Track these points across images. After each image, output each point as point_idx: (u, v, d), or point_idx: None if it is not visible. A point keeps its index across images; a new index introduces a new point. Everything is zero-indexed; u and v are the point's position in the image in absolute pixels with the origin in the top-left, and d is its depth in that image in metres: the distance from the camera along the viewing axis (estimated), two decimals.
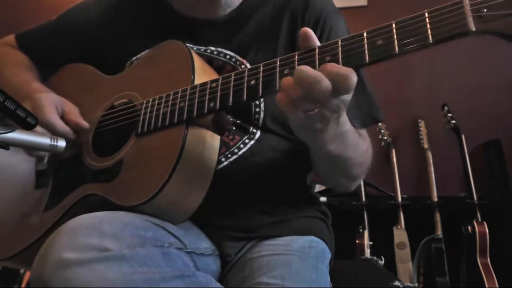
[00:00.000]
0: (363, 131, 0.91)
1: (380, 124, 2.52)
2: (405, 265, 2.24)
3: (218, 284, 0.67)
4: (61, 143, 0.84)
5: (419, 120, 2.56)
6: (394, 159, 2.45)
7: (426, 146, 2.46)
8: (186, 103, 0.75)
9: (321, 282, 0.82)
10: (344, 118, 0.69)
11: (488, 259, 2.13)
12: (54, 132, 0.86)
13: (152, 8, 1.00)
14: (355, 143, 0.77)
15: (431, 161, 2.41)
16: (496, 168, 2.45)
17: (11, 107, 0.70)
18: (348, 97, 0.63)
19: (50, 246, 0.61)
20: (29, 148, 0.84)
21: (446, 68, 2.64)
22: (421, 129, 2.52)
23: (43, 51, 1.08)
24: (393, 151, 2.47)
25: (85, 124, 0.90)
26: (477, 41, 2.51)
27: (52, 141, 0.83)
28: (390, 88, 2.66)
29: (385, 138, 2.51)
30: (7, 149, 0.77)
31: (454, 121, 2.44)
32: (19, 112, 0.71)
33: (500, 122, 2.52)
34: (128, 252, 0.60)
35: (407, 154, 2.58)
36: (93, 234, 0.61)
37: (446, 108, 2.50)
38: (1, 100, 0.68)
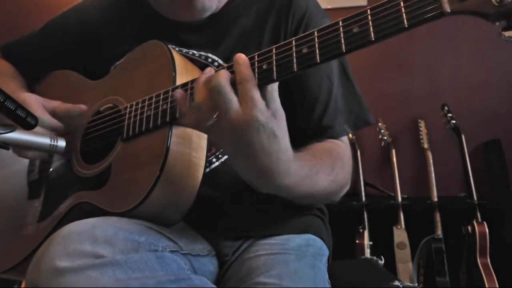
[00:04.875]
0: (340, 146, 0.87)
1: (380, 124, 2.53)
2: (405, 265, 2.24)
3: (214, 286, 0.67)
4: (61, 143, 0.85)
5: (419, 120, 2.56)
6: (394, 159, 2.45)
7: (426, 146, 2.46)
8: (168, 105, 0.75)
9: (319, 280, 0.82)
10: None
11: (488, 259, 2.13)
12: (47, 128, 0.86)
13: (136, 12, 1.00)
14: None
15: (431, 161, 2.41)
16: (496, 168, 2.45)
17: (11, 107, 0.70)
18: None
19: (43, 254, 0.61)
20: (29, 148, 0.84)
21: (446, 68, 2.64)
22: (421, 129, 2.52)
23: (30, 61, 1.08)
24: (393, 151, 2.48)
25: (80, 106, 0.90)
26: (477, 41, 2.52)
27: (52, 141, 0.83)
28: (390, 88, 2.67)
29: (385, 138, 2.51)
30: (7, 149, 0.77)
31: (454, 121, 2.44)
32: (19, 112, 0.71)
33: (500, 122, 2.52)
34: (121, 257, 0.60)
35: (407, 154, 2.58)
36: (86, 241, 0.61)
37: (446, 108, 2.50)
38: (1, 100, 0.68)
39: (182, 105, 0.69)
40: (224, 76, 0.62)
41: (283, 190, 0.68)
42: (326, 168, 0.77)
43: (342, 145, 0.88)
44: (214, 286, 0.68)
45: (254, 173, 0.65)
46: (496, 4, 0.51)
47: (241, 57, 0.63)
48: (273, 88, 0.63)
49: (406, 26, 0.55)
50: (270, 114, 0.61)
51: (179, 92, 0.69)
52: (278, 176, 0.64)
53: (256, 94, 0.60)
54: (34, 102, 0.88)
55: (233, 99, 0.60)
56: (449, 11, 0.53)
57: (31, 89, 1.05)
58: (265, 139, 0.60)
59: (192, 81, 0.74)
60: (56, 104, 0.91)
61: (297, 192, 0.69)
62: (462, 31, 2.55)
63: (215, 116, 0.61)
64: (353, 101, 0.91)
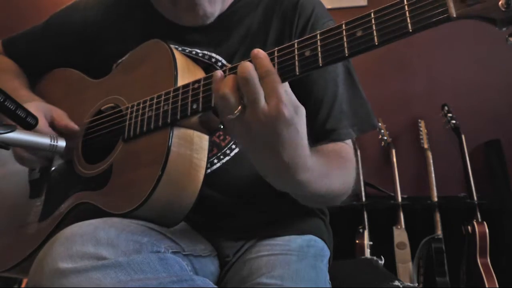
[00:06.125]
0: (347, 148, 0.87)
1: (380, 124, 2.53)
2: (405, 265, 2.24)
3: (216, 287, 0.67)
4: (61, 143, 0.85)
5: (419, 120, 2.56)
6: (394, 159, 2.45)
7: (426, 146, 2.46)
8: (170, 106, 0.75)
9: (320, 281, 0.82)
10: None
11: (488, 259, 2.13)
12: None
13: (139, 12, 1.00)
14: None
15: (431, 161, 2.41)
16: (496, 168, 2.45)
17: (11, 107, 0.70)
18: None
19: (46, 255, 0.60)
20: (29, 148, 0.84)
21: (446, 68, 2.64)
22: (421, 129, 2.52)
23: (31, 56, 1.07)
24: (393, 151, 2.47)
25: (74, 126, 0.89)
26: (478, 41, 2.51)
27: (52, 141, 0.83)
28: (390, 88, 2.67)
29: (385, 138, 2.51)
30: (7, 149, 0.77)
31: (454, 121, 2.44)
32: (19, 112, 0.71)
33: (500, 122, 2.53)
34: (124, 259, 0.60)
35: (407, 154, 2.58)
36: (89, 242, 0.61)
37: (446, 108, 2.50)
38: (1, 100, 0.68)
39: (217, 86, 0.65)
40: (252, 67, 0.60)
41: (301, 186, 0.66)
42: (338, 168, 0.77)
43: (348, 148, 0.87)
44: (216, 286, 0.68)
45: (275, 167, 0.63)
46: (503, 10, 0.50)
47: (260, 52, 0.61)
48: (286, 84, 0.62)
49: (411, 30, 0.54)
50: (293, 109, 0.60)
51: (219, 72, 0.64)
52: (297, 170, 0.63)
53: (282, 87, 0.59)
54: (35, 108, 0.87)
55: (261, 91, 0.59)
56: (455, 15, 0.52)
57: (32, 87, 1.04)
58: (290, 134, 0.60)
59: (194, 82, 0.73)
60: (56, 115, 0.90)
61: (313, 188, 0.68)
62: (462, 31, 2.55)
63: (236, 111, 0.59)
64: (358, 105, 0.90)
